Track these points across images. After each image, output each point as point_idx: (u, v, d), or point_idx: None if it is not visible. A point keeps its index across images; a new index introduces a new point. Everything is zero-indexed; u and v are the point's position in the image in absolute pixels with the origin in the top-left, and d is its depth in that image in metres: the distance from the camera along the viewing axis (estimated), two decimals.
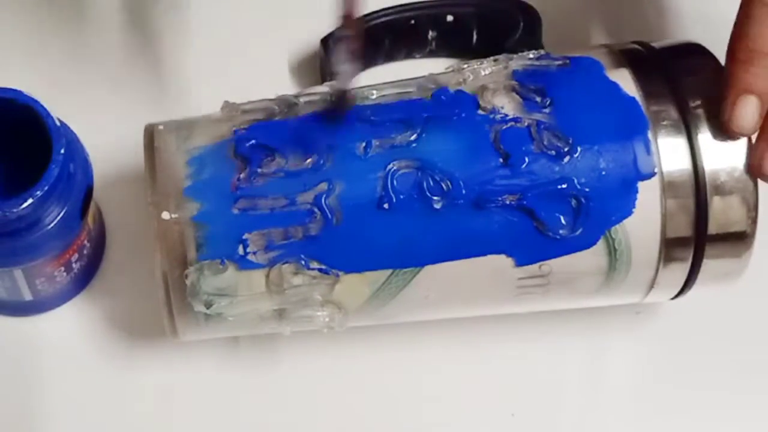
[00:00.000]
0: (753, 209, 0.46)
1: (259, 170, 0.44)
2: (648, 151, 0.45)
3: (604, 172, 0.45)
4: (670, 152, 0.45)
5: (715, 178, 0.45)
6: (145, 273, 0.51)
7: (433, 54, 0.56)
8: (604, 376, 0.54)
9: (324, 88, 0.47)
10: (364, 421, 0.52)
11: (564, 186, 0.44)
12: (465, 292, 0.47)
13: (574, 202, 0.45)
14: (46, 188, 0.43)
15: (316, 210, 0.44)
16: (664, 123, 0.45)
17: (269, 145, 0.45)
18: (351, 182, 0.44)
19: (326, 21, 0.52)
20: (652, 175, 0.45)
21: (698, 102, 0.46)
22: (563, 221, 0.45)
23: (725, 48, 0.46)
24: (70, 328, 0.52)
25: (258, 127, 0.46)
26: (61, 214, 0.46)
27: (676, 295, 0.49)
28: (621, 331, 0.54)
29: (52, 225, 0.45)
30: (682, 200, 0.45)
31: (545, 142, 0.44)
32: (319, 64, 0.55)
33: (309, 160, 0.44)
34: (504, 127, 0.45)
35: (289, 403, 0.52)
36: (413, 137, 0.45)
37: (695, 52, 0.48)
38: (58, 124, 0.44)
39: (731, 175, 0.45)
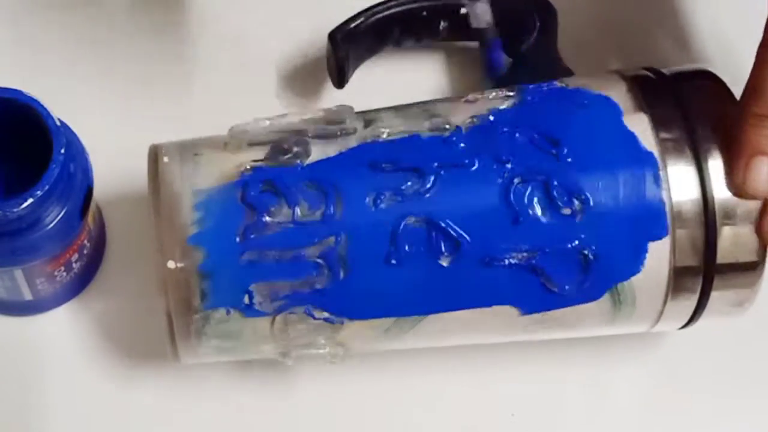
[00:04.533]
0: None
1: (266, 219, 0.44)
2: (662, 212, 0.44)
3: (615, 232, 0.44)
4: (679, 181, 0.45)
5: (725, 207, 0.45)
6: (146, 273, 0.51)
7: (443, 40, 0.55)
8: (605, 397, 0.53)
9: (331, 108, 0.46)
10: (365, 421, 0.52)
11: (574, 244, 0.44)
12: (470, 333, 0.47)
13: (582, 260, 0.44)
14: (46, 188, 0.43)
15: (323, 263, 0.44)
16: (674, 151, 0.45)
17: (277, 189, 0.44)
18: (359, 236, 0.44)
19: (334, 15, 0.52)
20: (664, 236, 0.44)
21: (708, 130, 0.45)
22: (571, 278, 0.44)
23: (734, 70, 0.46)
24: (70, 328, 0.52)
25: (266, 171, 0.44)
26: (62, 214, 0.45)
27: (685, 325, 0.48)
28: (623, 352, 0.53)
29: (52, 225, 0.45)
30: (691, 230, 0.45)
31: (558, 201, 0.44)
32: (326, 58, 0.54)
33: (318, 212, 0.44)
34: (517, 182, 0.44)
35: (298, 423, 0.52)
36: (424, 188, 0.44)
37: (705, 78, 0.48)
38: (58, 124, 0.44)
39: (742, 203, 0.45)
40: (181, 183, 0.44)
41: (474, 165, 0.44)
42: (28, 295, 0.49)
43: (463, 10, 0.53)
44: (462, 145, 0.45)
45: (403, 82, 0.56)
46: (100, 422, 0.51)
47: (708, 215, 0.45)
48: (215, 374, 0.51)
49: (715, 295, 0.46)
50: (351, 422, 0.52)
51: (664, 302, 0.46)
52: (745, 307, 0.48)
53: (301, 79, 0.56)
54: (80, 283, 0.52)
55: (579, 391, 0.53)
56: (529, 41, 0.50)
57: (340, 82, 0.52)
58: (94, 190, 0.47)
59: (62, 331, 0.52)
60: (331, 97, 0.55)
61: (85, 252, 0.50)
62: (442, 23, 0.54)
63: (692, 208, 0.45)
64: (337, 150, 0.45)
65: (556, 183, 0.44)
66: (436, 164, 0.44)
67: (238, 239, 0.43)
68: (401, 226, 0.44)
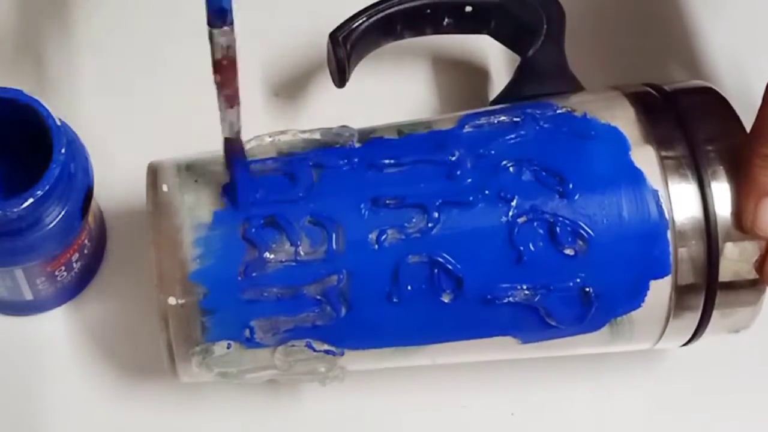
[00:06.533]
0: None
1: (267, 256, 0.43)
2: (666, 251, 0.44)
3: (617, 270, 0.44)
4: (681, 200, 0.45)
5: (726, 224, 0.45)
6: (146, 273, 0.51)
7: (446, 33, 0.54)
8: (605, 397, 0.53)
9: (332, 129, 0.46)
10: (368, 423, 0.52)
11: (576, 282, 0.44)
12: (469, 356, 0.47)
13: (583, 296, 0.44)
14: (46, 188, 0.43)
15: (324, 300, 0.43)
16: (676, 170, 0.45)
17: (279, 225, 0.43)
18: (361, 275, 0.43)
19: (334, 13, 0.51)
20: (667, 275, 0.44)
21: (710, 148, 0.45)
22: (571, 314, 0.44)
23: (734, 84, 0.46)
24: (70, 328, 0.52)
25: (267, 205, 0.44)
26: (62, 214, 0.45)
27: (687, 342, 0.48)
28: (625, 354, 0.53)
29: (52, 225, 0.45)
30: (693, 249, 0.45)
31: (562, 240, 0.44)
32: (327, 58, 0.54)
33: (320, 250, 0.43)
34: (522, 221, 0.44)
35: None
36: (428, 226, 0.43)
37: (707, 95, 0.48)
38: (59, 123, 0.44)
39: None
40: (182, 216, 0.44)
41: (478, 203, 0.44)
42: (28, 295, 0.49)
43: (468, 8, 0.52)
44: (467, 180, 0.44)
45: (401, 80, 0.56)
46: (100, 421, 0.51)
47: (710, 233, 0.45)
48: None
49: (717, 313, 0.46)
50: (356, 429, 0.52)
51: (666, 323, 0.46)
52: (747, 324, 0.47)
53: (297, 79, 0.56)
54: (81, 282, 0.52)
55: (579, 394, 0.53)
56: (537, 44, 0.50)
57: (341, 81, 0.51)
58: (94, 189, 0.47)
59: (62, 331, 0.52)
60: (329, 97, 0.55)
61: (85, 252, 0.50)
62: (446, 20, 0.53)
63: (694, 226, 0.45)
64: (340, 182, 0.44)
65: (560, 222, 0.44)
66: (439, 201, 0.44)
67: (239, 277, 0.43)
68: (404, 265, 0.43)
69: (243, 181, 0.43)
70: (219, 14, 0.38)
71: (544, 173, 0.44)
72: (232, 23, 0.39)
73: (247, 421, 0.51)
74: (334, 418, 0.52)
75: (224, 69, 0.40)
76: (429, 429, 0.52)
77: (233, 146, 0.42)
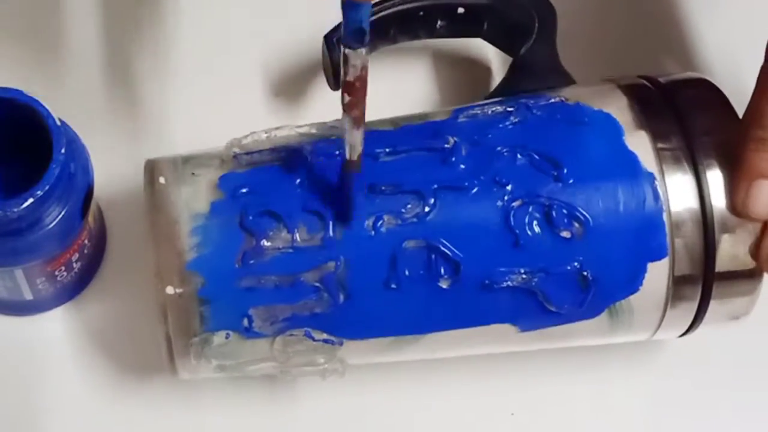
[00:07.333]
0: None
1: (264, 244, 0.43)
2: (662, 234, 0.44)
3: (614, 253, 0.44)
4: (678, 191, 0.45)
5: (723, 215, 0.45)
6: (146, 272, 0.51)
7: (439, 36, 0.54)
8: (605, 396, 0.53)
9: (327, 123, 0.46)
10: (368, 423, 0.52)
11: (574, 266, 0.44)
12: (468, 347, 0.47)
13: (581, 281, 0.44)
14: (46, 188, 0.43)
15: (322, 288, 0.43)
16: (673, 161, 0.45)
17: (275, 212, 0.44)
18: (359, 261, 0.44)
19: (328, 16, 0.52)
20: (664, 257, 0.45)
21: (706, 139, 0.45)
22: (569, 298, 0.45)
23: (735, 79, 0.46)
24: (70, 328, 0.52)
25: (264, 192, 0.44)
26: (62, 214, 0.45)
27: (685, 333, 0.48)
28: (624, 350, 0.53)
29: (52, 225, 0.45)
30: (690, 240, 0.45)
31: (558, 224, 0.44)
32: (322, 60, 0.54)
33: (317, 237, 0.43)
34: (517, 205, 0.44)
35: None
36: (424, 211, 0.44)
37: (701, 87, 0.48)
38: (58, 123, 0.44)
39: None
40: (179, 207, 0.44)
41: (474, 188, 0.44)
42: (28, 295, 0.50)
43: (460, 10, 0.53)
44: (462, 166, 0.44)
45: (399, 79, 0.56)
46: (100, 421, 0.51)
47: (707, 224, 0.45)
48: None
49: (714, 303, 0.46)
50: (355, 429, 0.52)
51: (663, 313, 0.46)
52: (744, 315, 0.48)
53: (297, 79, 0.56)
54: (81, 282, 0.52)
55: (579, 389, 0.53)
56: (529, 43, 0.50)
57: (336, 83, 0.52)
58: (94, 189, 0.47)
59: (62, 331, 0.52)
60: (329, 97, 0.55)
61: (85, 252, 0.50)
62: (439, 22, 0.53)
63: (691, 217, 0.45)
64: (335, 171, 0.44)
65: (556, 205, 0.44)
66: (435, 186, 0.44)
67: (236, 265, 0.43)
68: (401, 250, 0.43)
69: (359, 204, 0.43)
70: (357, 35, 0.38)
71: (538, 158, 0.45)
72: (368, 44, 0.38)
73: (247, 421, 0.51)
74: (333, 417, 0.52)
75: (356, 91, 0.40)
76: (429, 429, 0.52)
77: (351, 169, 0.42)
